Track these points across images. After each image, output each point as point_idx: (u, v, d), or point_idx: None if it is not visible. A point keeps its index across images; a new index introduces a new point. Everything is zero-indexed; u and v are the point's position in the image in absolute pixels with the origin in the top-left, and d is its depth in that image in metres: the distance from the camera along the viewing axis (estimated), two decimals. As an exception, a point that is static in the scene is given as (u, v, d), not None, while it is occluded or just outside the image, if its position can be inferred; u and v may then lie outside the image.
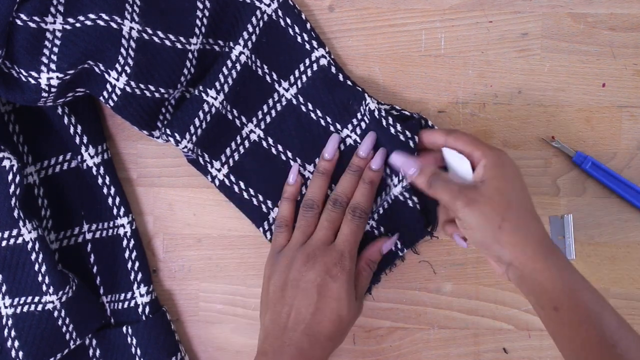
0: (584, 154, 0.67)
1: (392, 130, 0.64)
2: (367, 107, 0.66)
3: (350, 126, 0.67)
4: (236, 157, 0.68)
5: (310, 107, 0.67)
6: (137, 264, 0.68)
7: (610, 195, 0.68)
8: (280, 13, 0.66)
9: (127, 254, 0.68)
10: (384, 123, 0.65)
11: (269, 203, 0.68)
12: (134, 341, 0.66)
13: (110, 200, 0.67)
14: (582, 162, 0.67)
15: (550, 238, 0.56)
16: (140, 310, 0.67)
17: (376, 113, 0.65)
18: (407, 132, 0.64)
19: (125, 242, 0.68)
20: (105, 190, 0.67)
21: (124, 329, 0.67)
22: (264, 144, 0.68)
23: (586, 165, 0.67)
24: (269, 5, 0.65)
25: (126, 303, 0.68)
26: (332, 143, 0.67)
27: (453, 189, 0.58)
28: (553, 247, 0.56)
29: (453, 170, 0.61)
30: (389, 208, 0.67)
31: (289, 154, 0.68)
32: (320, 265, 0.62)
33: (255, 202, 0.68)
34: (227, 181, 0.68)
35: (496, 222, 0.55)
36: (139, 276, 0.68)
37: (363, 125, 0.67)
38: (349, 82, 0.66)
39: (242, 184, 0.68)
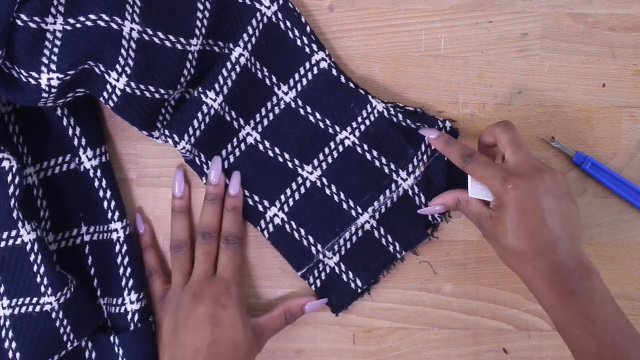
0: (583, 154, 0.67)
1: (404, 124, 0.66)
2: (375, 110, 0.66)
3: (349, 128, 0.67)
4: (231, 159, 0.68)
5: (309, 109, 0.67)
6: (128, 270, 0.67)
7: (610, 195, 0.69)
8: (280, 16, 0.65)
9: (119, 260, 0.67)
10: (395, 120, 0.66)
11: (265, 202, 0.68)
12: (121, 352, 0.66)
13: (105, 204, 0.67)
14: (582, 162, 0.67)
15: (558, 273, 0.56)
16: (129, 317, 0.66)
17: (385, 113, 0.66)
18: (418, 123, 0.66)
19: (117, 248, 0.67)
20: (101, 194, 0.67)
21: (111, 339, 0.66)
22: (260, 147, 0.68)
23: (586, 165, 0.67)
24: (268, 8, 0.65)
25: (117, 308, 0.67)
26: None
27: (473, 216, 0.62)
28: (554, 284, 0.56)
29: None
30: (392, 206, 0.68)
31: (287, 156, 0.68)
32: (208, 297, 0.63)
33: (250, 202, 0.68)
34: (222, 182, 0.68)
35: (501, 255, 0.60)
36: (130, 282, 0.67)
37: (362, 127, 0.67)
38: (351, 84, 0.66)
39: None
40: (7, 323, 0.63)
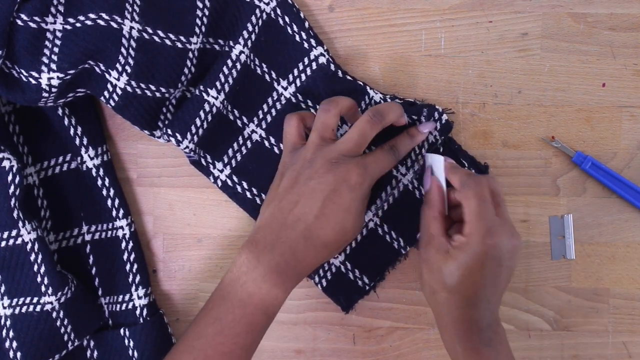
0: (584, 154, 0.67)
1: None
2: (372, 100, 0.66)
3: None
4: (238, 157, 0.68)
5: (310, 103, 0.67)
6: (135, 266, 0.68)
7: (610, 195, 0.69)
8: (278, 11, 0.66)
9: (125, 256, 0.68)
10: None
11: None
12: (131, 343, 0.66)
13: (109, 202, 0.67)
14: (582, 162, 0.67)
15: (478, 325, 0.57)
16: (137, 312, 0.67)
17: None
18: (414, 117, 0.65)
19: (124, 244, 0.68)
20: (104, 192, 0.67)
21: (122, 331, 0.67)
22: (266, 143, 0.68)
23: (586, 165, 0.67)
24: (267, 4, 0.65)
25: (124, 305, 0.68)
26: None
27: (423, 239, 0.61)
28: (470, 333, 0.57)
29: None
30: (394, 202, 0.68)
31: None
32: (342, 171, 0.58)
33: (258, 201, 0.68)
34: (229, 182, 0.68)
35: (431, 285, 0.60)
36: (137, 278, 0.67)
37: None
38: (349, 77, 0.67)
39: (244, 184, 0.67)
40: (8, 323, 0.63)
